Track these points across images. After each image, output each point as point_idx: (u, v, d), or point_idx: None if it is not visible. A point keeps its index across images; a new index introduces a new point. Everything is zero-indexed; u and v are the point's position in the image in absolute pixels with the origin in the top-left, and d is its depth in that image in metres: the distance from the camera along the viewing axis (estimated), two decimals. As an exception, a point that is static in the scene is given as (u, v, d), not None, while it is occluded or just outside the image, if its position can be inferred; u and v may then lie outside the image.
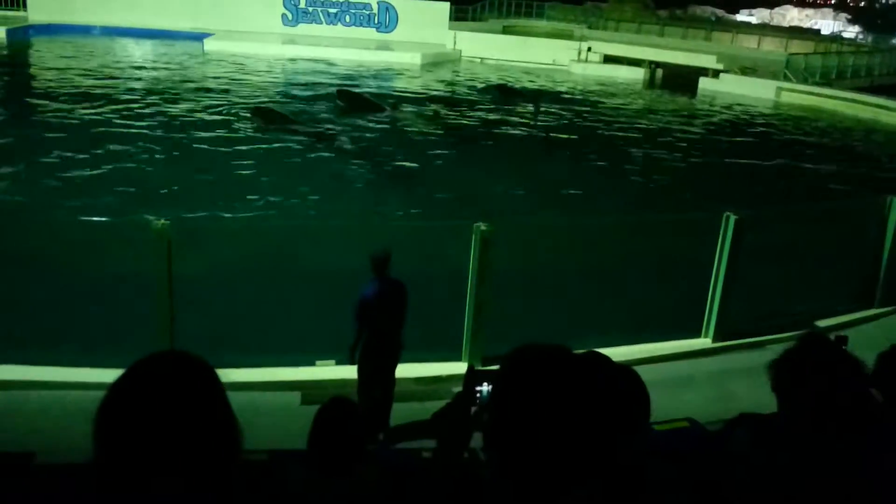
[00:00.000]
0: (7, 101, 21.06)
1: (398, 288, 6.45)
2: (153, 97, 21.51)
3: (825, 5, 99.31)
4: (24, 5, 33.25)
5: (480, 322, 7.44)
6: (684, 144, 21.46)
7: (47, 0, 32.90)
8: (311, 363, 7.33)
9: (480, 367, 2.15)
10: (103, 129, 17.56)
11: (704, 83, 31.61)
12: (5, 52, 28.03)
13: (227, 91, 23.24)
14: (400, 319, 6.49)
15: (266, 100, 22.31)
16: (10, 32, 29.93)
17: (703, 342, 8.24)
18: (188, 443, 1.33)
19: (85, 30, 32.27)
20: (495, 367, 1.61)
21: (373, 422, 5.92)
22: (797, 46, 38.02)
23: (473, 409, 1.99)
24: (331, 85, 25.48)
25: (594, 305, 9.05)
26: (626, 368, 2.24)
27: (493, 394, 1.58)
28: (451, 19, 36.33)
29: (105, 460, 1.32)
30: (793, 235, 10.29)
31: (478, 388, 2.01)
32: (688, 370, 7.77)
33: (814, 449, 2.24)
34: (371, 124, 20.45)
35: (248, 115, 19.97)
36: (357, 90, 24.21)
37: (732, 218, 8.03)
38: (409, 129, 20.46)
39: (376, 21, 35.96)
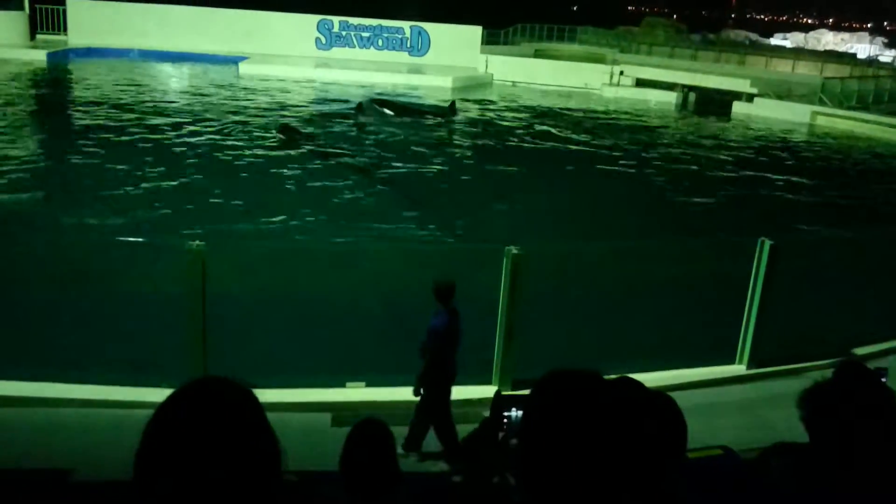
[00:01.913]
0: (45, 122, 21.53)
1: (457, 315, 6.45)
2: (188, 119, 21.86)
3: (861, 29, 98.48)
4: (65, 29, 34.04)
5: (511, 345, 7.42)
6: (718, 168, 21.30)
7: (87, 24, 33.70)
8: (342, 385, 7.35)
9: (508, 392, 2.14)
10: (138, 150, 17.85)
11: (738, 107, 31.41)
12: (45, 75, 28.69)
13: (259, 113, 23.53)
14: (458, 345, 6.50)
15: (295, 120, 22.59)
16: (50, 56, 30.70)
17: (738, 369, 8.13)
18: (232, 466, 1.34)
19: (123, 53, 32.97)
20: (524, 392, 1.61)
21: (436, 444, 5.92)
22: (833, 70, 37.71)
23: (501, 434, 1.98)
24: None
25: (626, 330, 8.98)
26: (661, 394, 2.22)
27: (524, 419, 1.58)
28: (482, 43, 36.55)
29: (148, 482, 1.33)
30: (830, 261, 10.15)
31: (506, 414, 2.00)
32: (721, 397, 7.67)
33: (849, 483, 2.18)
34: (393, 139, 20.64)
35: (275, 133, 20.26)
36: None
37: (767, 243, 7.94)
38: (432, 146, 20.56)
39: (409, 45, 36.28)
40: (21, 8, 32.75)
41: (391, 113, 24.66)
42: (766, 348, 8.15)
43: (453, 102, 26.70)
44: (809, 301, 9.67)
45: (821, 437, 2.24)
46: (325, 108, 25.70)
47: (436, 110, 26.02)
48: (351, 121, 23.06)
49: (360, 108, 24.17)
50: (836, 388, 2.29)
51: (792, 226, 15.08)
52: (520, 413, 2.18)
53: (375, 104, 25.48)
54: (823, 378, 2.37)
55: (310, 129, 21.36)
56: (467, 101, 29.42)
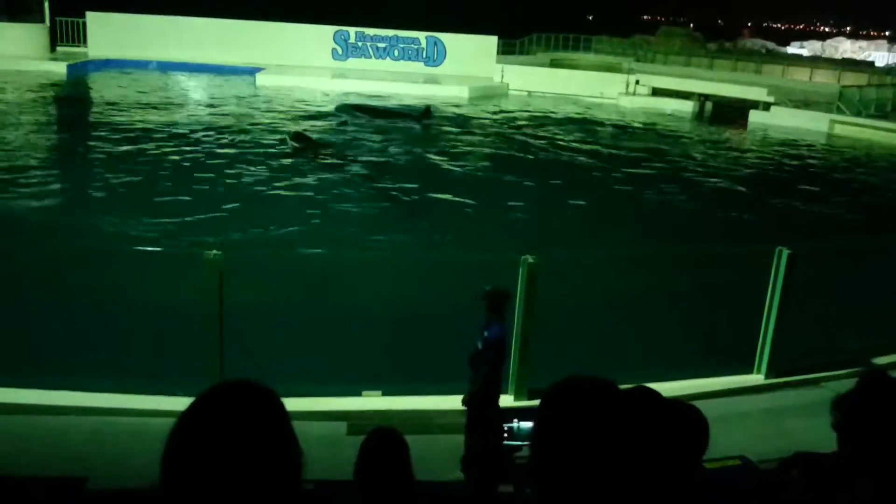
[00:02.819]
0: (63, 133, 21.77)
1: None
2: (204, 129, 22.03)
3: (879, 37, 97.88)
4: (85, 42, 34.41)
5: (527, 354, 7.39)
6: (734, 177, 21.20)
7: (106, 37, 34.03)
8: (358, 393, 7.35)
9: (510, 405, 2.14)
10: (155, 160, 18.01)
11: (755, 116, 31.25)
12: (65, 87, 29.00)
13: (275, 123, 23.66)
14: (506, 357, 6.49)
15: (308, 129, 22.74)
16: (70, 68, 31.03)
17: (756, 378, 8.07)
18: (257, 471, 1.33)
19: (141, 65, 33.30)
20: (527, 404, 1.59)
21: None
22: (850, 79, 37.42)
23: (505, 443, 1.98)
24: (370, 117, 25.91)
25: (643, 339, 8.93)
26: (684, 403, 2.19)
27: (536, 427, 1.56)
28: (498, 53, 36.59)
29: (172, 487, 1.33)
30: (848, 270, 10.07)
31: (507, 425, 2.00)
32: (740, 406, 7.60)
33: (874, 492, 2.16)
34: (404, 146, 20.70)
35: (288, 141, 20.42)
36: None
37: (785, 252, 7.88)
38: (445, 154, 20.58)
39: (424, 55, 36.39)
40: (42, 21, 33.14)
41: (366, 116, 25.48)
42: (784, 357, 8.08)
43: (428, 107, 27.06)
44: (828, 310, 9.59)
45: (850, 445, 2.22)
46: (337, 117, 25.86)
47: (411, 113, 26.65)
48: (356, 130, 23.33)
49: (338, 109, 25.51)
50: (865, 398, 2.27)
51: (810, 235, 14.97)
52: (522, 424, 2.18)
53: (351, 108, 26.46)
54: (851, 388, 2.34)
55: (321, 137, 21.50)
56: (483, 110, 29.49)
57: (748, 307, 8.41)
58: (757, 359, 8.10)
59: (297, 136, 20.65)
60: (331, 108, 27.12)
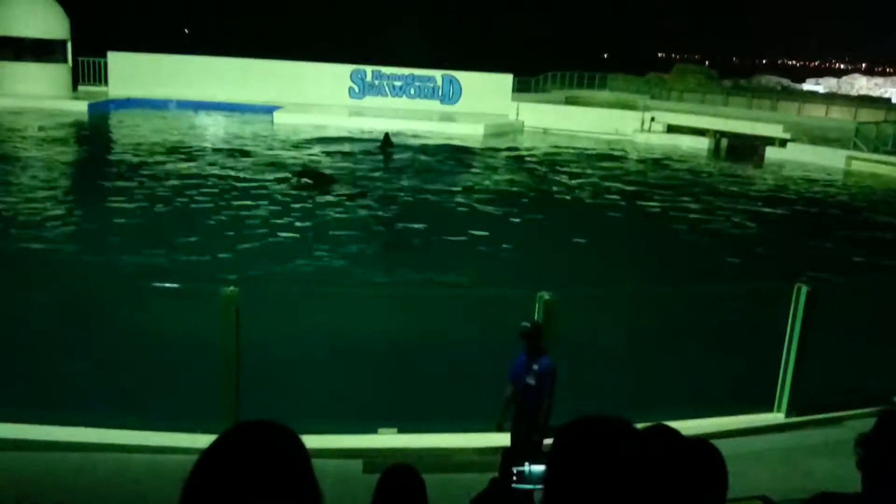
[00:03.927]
0: (82, 170, 22.07)
1: None
2: (222, 166, 22.26)
3: (895, 74, 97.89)
4: (106, 81, 35.03)
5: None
6: (752, 214, 21.13)
7: (127, 76, 34.61)
8: (374, 431, 7.30)
9: (516, 449, 2.13)
10: (172, 197, 18.18)
11: (771, 152, 31.22)
12: (86, 125, 29.46)
13: (291, 160, 23.87)
14: None
15: (322, 165, 22.96)
16: (91, 107, 31.56)
17: (776, 417, 7.95)
18: None
19: (161, 104, 33.81)
20: (540, 447, 1.58)
21: None
22: (867, 115, 37.42)
23: (514, 485, 1.96)
24: (389, 153, 26.12)
25: (661, 377, 8.85)
26: (703, 442, 2.17)
27: (549, 471, 1.53)
28: (513, 90, 36.91)
29: None
30: (868, 307, 9.96)
31: (517, 469, 1.99)
32: (759, 446, 7.48)
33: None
34: (415, 181, 20.80)
35: (298, 178, 20.63)
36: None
37: (804, 289, 7.82)
38: (457, 191, 20.65)
39: (440, 93, 36.73)
40: (65, 61, 33.80)
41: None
42: (805, 395, 7.98)
43: (387, 134, 27.46)
44: (848, 348, 9.48)
45: (875, 485, 2.19)
46: (350, 151, 26.12)
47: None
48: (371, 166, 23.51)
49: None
50: (888, 437, 2.24)
51: (829, 272, 14.85)
52: (533, 467, 2.17)
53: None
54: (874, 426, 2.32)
55: (333, 173, 21.71)
56: (499, 147, 29.64)
57: (768, 344, 8.32)
58: (777, 397, 8.00)
59: (306, 172, 20.92)
60: (347, 146, 27.35)
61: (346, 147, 27.23)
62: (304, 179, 20.31)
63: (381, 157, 25.91)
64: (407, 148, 27.91)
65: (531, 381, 6.28)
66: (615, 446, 1.43)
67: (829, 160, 29.48)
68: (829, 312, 8.34)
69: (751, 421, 7.86)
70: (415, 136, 30.30)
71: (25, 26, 32.44)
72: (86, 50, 34.97)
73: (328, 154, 25.64)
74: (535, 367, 6.26)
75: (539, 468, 2.14)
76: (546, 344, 6.83)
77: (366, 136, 29.66)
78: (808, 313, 7.81)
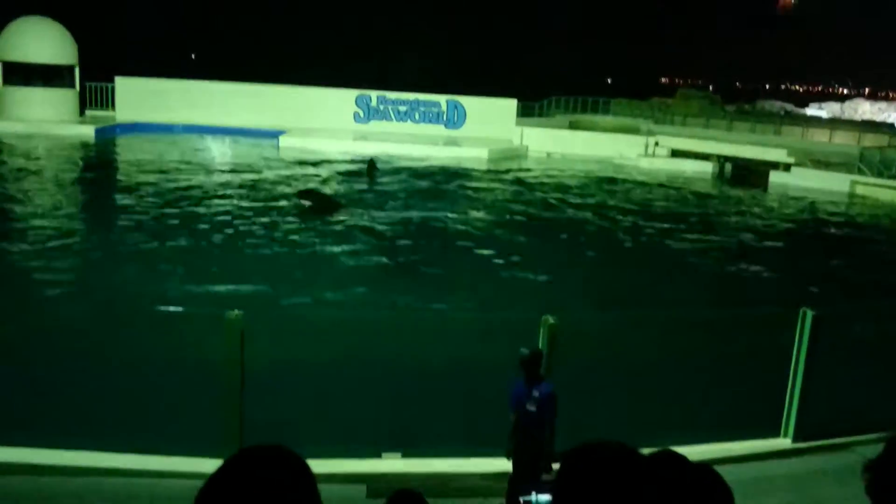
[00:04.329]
0: (89, 194, 22.17)
1: None
2: (226, 190, 22.35)
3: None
4: (113, 105, 35.30)
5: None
6: (756, 239, 21.11)
7: (133, 101, 34.91)
8: (378, 455, 7.26)
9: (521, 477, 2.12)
10: (177, 221, 18.25)
11: (775, 177, 31.25)
12: (93, 149, 29.64)
13: (295, 183, 23.96)
14: None
15: (324, 188, 23.06)
16: (98, 131, 31.84)
17: (783, 442, 7.89)
18: None
19: (167, 128, 34.02)
20: (546, 478, 1.57)
21: None
22: (871, 140, 37.47)
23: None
24: (389, 177, 26.22)
25: (666, 402, 8.80)
26: (706, 468, 2.14)
27: (556, 497, 1.52)
28: (517, 115, 37.10)
29: None
30: (875, 332, 9.91)
31: (524, 498, 1.98)
32: (766, 472, 7.42)
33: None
34: (418, 205, 20.84)
35: (299, 200, 20.76)
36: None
37: (810, 314, 7.79)
38: (460, 215, 20.68)
39: (445, 118, 36.91)
40: (72, 86, 34.10)
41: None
42: (812, 421, 7.92)
43: (372, 160, 27.62)
44: (855, 372, 9.42)
45: None
46: (354, 174, 26.25)
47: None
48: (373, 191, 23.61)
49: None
50: (894, 463, 2.21)
51: (836, 296, 14.81)
52: (539, 496, 2.17)
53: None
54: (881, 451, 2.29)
55: (336, 196, 21.81)
56: (502, 171, 29.73)
57: (775, 369, 8.28)
58: (784, 422, 7.94)
59: (308, 195, 21.06)
60: (352, 167, 27.49)
61: (350, 170, 27.33)
62: (305, 202, 20.48)
63: (384, 177, 26.06)
64: (411, 171, 28.03)
65: (532, 407, 6.25)
66: (621, 473, 1.42)
67: (833, 185, 29.50)
68: (835, 337, 8.31)
69: (758, 446, 7.80)
70: (419, 160, 30.42)
71: (35, 52, 32.78)
72: (94, 75, 35.28)
73: (331, 177, 25.75)
74: (536, 393, 6.23)
75: (545, 497, 2.13)
76: (547, 370, 6.81)
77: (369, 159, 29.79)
78: (813, 338, 7.77)
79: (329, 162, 28.85)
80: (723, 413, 8.55)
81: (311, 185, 23.34)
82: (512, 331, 8.49)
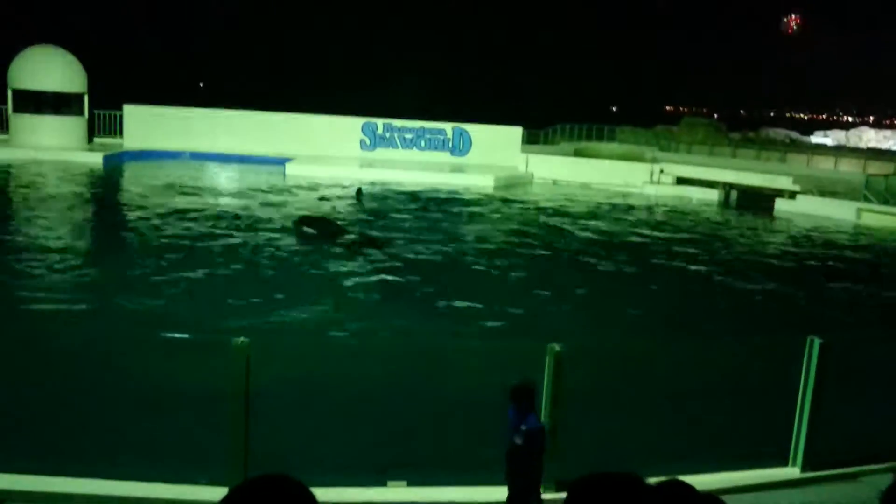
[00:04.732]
0: (94, 220, 22.30)
1: None
2: (232, 217, 22.44)
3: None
4: (121, 133, 35.61)
5: (555, 445, 7.25)
6: (762, 267, 21.07)
7: (141, 128, 35.24)
8: (383, 483, 7.22)
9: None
10: (183, 247, 18.31)
11: (781, 204, 31.28)
12: (100, 176, 29.84)
13: (300, 210, 24.04)
14: None
15: (332, 216, 23.17)
16: (106, 158, 32.08)
17: (791, 471, 7.83)
18: None
19: (175, 155, 34.25)
20: (554, 497, 1.57)
21: None
22: (876, 167, 37.53)
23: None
24: (396, 203, 26.32)
25: (672, 430, 8.75)
26: (713, 498, 2.14)
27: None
28: (523, 142, 37.28)
29: None
30: (882, 361, 9.86)
31: None
32: (775, 501, 7.37)
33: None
34: (424, 232, 20.88)
35: (300, 226, 20.91)
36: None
37: (817, 342, 7.76)
38: (463, 240, 20.71)
39: (450, 145, 37.10)
40: (81, 114, 34.41)
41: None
42: (820, 450, 7.86)
43: (359, 188, 27.93)
44: (863, 402, 9.37)
45: None
46: (357, 204, 26.35)
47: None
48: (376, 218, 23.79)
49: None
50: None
51: (843, 324, 14.76)
52: None
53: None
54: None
55: (340, 222, 21.93)
56: (508, 198, 29.82)
57: (782, 398, 8.24)
58: (792, 451, 7.88)
59: (310, 221, 21.21)
60: (353, 195, 27.64)
61: (354, 197, 27.45)
62: (307, 229, 20.61)
63: (389, 204, 26.20)
64: (417, 198, 28.16)
65: (518, 440, 6.19)
66: (628, 503, 1.42)
67: (839, 212, 29.50)
68: (843, 366, 8.27)
69: (765, 476, 7.74)
70: (425, 187, 30.57)
71: (45, 80, 33.14)
72: (102, 103, 35.64)
73: (336, 204, 25.86)
74: (523, 427, 6.17)
75: None
76: (553, 397, 6.79)
77: (376, 186, 29.96)
78: (821, 366, 7.73)
79: (335, 189, 28.97)
80: (730, 441, 8.49)
81: (314, 212, 23.47)
82: (519, 358, 8.48)
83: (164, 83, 69.13)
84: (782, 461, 7.90)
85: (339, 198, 27.40)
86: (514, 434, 6.20)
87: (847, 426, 8.76)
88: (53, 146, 32.27)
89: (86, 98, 34.41)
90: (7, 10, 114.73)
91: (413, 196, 28.83)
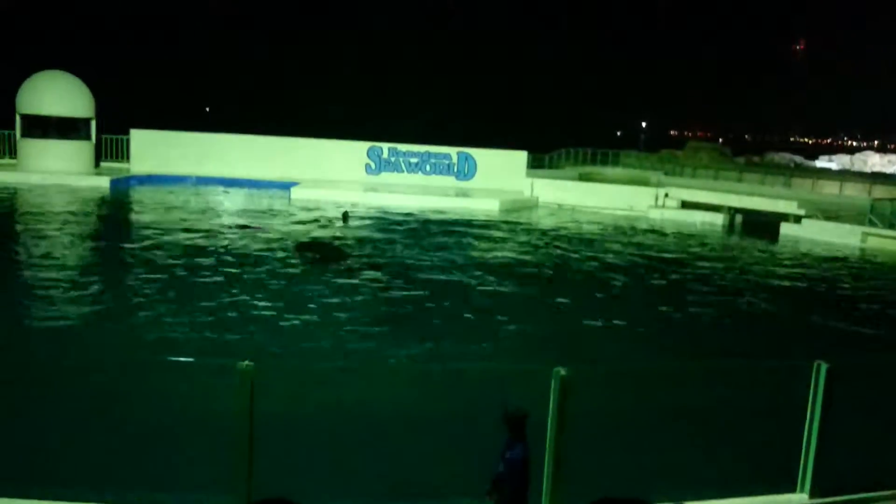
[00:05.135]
0: (100, 244, 22.36)
1: (527, 446, 6.31)
2: (237, 241, 22.47)
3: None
4: (128, 157, 35.84)
5: (560, 472, 7.20)
6: (768, 290, 21.02)
7: (148, 153, 35.51)
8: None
9: None
10: (187, 272, 18.33)
11: (786, 228, 31.25)
12: (107, 200, 29.98)
13: (304, 235, 24.10)
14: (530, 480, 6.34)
15: (335, 240, 23.19)
16: (113, 182, 32.31)
17: (800, 497, 7.75)
18: None
19: (181, 180, 34.47)
20: None
21: None
22: (881, 191, 37.51)
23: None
24: (399, 228, 26.37)
25: (679, 455, 8.69)
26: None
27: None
28: (528, 167, 37.41)
29: None
30: (890, 386, 9.81)
31: None
32: (784, 529, 7.30)
33: None
34: (423, 254, 20.87)
35: (299, 251, 20.98)
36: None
37: (824, 366, 7.72)
38: (465, 265, 20.69)
39: (455, 170, 37.25)
40: (88, 138, 34.68)
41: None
42: (829, 475, 7.79)
43: (346, 212, 27.90)
44: (871, 427, 9.31)
45: None
46: (363, 226, 26.40)
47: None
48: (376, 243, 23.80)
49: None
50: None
51: (849, 349, 14.69)
52: None
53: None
54: None
55: (342, 247, 22.04)
56: (513, 222, 29.85)
57: (789, 422, 8.18)
58: (800, 477, 7.81)
59: (312, 246, 21.31)
60: (360, 221, 27.69)
61: (360, 222, 27.53)
62: (309, 253, 20.67)
63: (394, 228, 26.25)
64: (421, 222, 28.21)
65: (501, 467, 6.16)
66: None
67: (844, 236, 29.45)
68: (850, 390, 8.22)
69: (773, 501, 7.67)
70: (430, 211, 30.65)
71: (53, 105, 33.47)
72: (110, 128, 35.95)
73: (340, 228, 25.91)
74: (508, 454, 6.14)
75: None
76: (559, 422, 6.74)
77: (382, 211, 30.06)
78: (828, 391, 7.69)
79: (339, 213, 29.05)
80: (738, 467, 8.43)
81: (316, 236, 23.51)
82: (525, 382, 8.45)
83: (170, 108, 69.62)
84: (790, 487, 7.84)
85: (340, 222, 27.45)
86: (500, 461, 6.19)
87: (856, 452, 8.70)
88: (61, 170, 32.57)
89: (93, 123, 34.70)
90: (17, 36, 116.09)
91: (418, 220, 28.89)
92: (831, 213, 32.21)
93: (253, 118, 61.27)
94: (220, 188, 33.87)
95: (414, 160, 37.28)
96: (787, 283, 22.30)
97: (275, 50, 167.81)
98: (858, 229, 29.75)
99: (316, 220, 27.31)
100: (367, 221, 27.89)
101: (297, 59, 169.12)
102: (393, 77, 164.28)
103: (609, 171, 44.10)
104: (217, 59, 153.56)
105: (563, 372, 7.21)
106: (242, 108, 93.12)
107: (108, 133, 35.93)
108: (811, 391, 7.79)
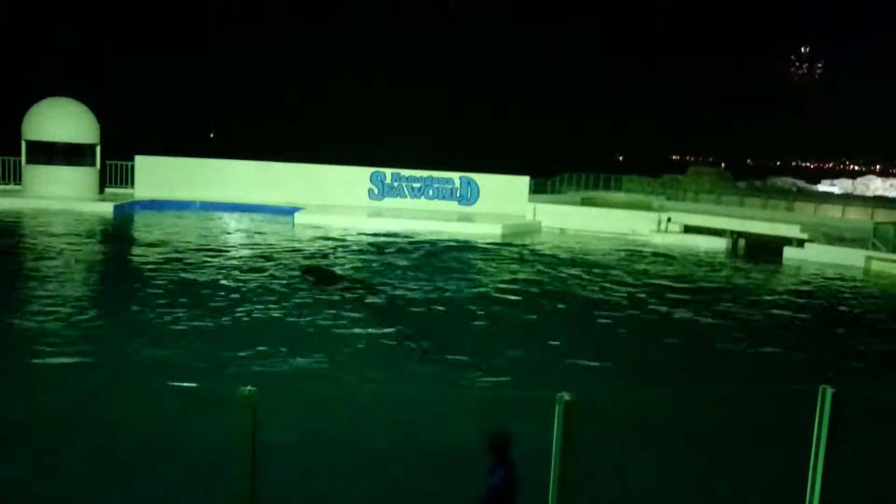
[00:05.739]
0: (104, 270, 22.39)
1: (514, 469, 6.22)
2: (240, 265, 22.50)
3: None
4: (132, 183, 36.03)
5: (564, 497, 7.13)
6: (772, 314, 20.96)
7: (152, 178, 35.73)
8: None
9: None
10: (190, 296, 18.31)
11: (789, 252, 31.22)
12: (111, 226, 30.10)
13: (307, 259, 24.13)
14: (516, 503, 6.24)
15: (336, 265, 23.19)
16: (116, 208, 32.44)
17: (806, 525, 7.67)
18: None
19: (185, 205, 34.65)
20: None
21: None
22: (883, 215, 37.52)
23: None
24: (405, 250, 26.39)
25: (684, 480, 8.62)
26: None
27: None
28: (530, 192, 37.54)
29: None
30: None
31: None
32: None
33: None
34: (423, 278, 20.85)
35: (302, 274, 21.08)
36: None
37: (829, 391, 7.66)
38: (465, 289, 20.67)
39: (458, 195, 37.38)
40: (93, 164, 34.90)
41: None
42: (837, 502, 7.70)
43: (309, 266, 27.28)
44: (876, 452, 9.23)
45: None
46: (365, 250, 26.42)
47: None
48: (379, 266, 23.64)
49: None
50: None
51: (852, 374, 14.62)
52: None
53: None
54: None
55: (346, 272, 22.07)
56: (515, 246, 29.86)
57: (795, 448, 8.11)
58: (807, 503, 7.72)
59: (312, 270, 21.34)
60: (363, 246, 27.72)
61: (362, 246, 27.57)
62: (310, 277, 20.74)
63: (397, 253, 26.27)
64: (423, 247, 28.24)
65: (483, 491, 6.09)
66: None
67: (847, 260, 29.44)
68: (855, 415, 8.16)
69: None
70: (433, 236, 30.71)
71: (57, 131, 33.73)
72: (114, 154, 36.18)
73: (343, 253, 25.95)
74: (489, 480, 6.06)
75: None
76: (563, 447, 6.67)
77: (383, 236, 30.10)
78: (834, 416, 7.62)
79: (342, 237, 29.10)
80: (743, 493, 8.36)
81: (317, 262, 23.52)
82: (527, 408, 8.39)
83: (174, 135, 70.03)
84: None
85: (343, 247, 27.48)
86: (484, 485, 6.13)
87: (862, 479, 8.62)
88: (66, 196, 32.74)
89: (98, 149, 34.92)
90: (22, 63, 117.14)
91: (420, 245, 28.90)
92: (834, 237, 32.20)
93: (257, 144, 61.59)
94: (217, 214, 33.95)
95: (417, 185, 37.43)
96: (790, 307, 22.22)
97: (277, 80, 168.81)
98: (861, 253, 29.74)
99: (318, 244, 27.34)
100: (369, 247, 27.90)
101: (298, 87, 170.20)
102: (393, 97, 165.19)
103: (612, 195, 44.17)
104: (220, 89, 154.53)
105: (567, 397, 7.16)
106: (244, 133, 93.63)
107: (113, 159, 36.15)
108: (817, 417, 7.72)
